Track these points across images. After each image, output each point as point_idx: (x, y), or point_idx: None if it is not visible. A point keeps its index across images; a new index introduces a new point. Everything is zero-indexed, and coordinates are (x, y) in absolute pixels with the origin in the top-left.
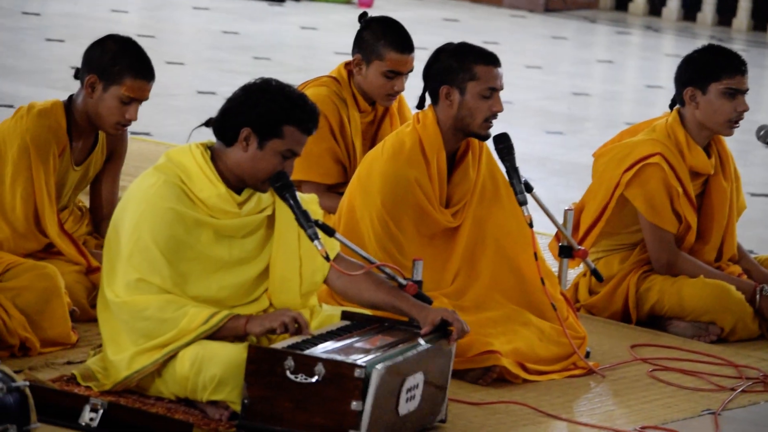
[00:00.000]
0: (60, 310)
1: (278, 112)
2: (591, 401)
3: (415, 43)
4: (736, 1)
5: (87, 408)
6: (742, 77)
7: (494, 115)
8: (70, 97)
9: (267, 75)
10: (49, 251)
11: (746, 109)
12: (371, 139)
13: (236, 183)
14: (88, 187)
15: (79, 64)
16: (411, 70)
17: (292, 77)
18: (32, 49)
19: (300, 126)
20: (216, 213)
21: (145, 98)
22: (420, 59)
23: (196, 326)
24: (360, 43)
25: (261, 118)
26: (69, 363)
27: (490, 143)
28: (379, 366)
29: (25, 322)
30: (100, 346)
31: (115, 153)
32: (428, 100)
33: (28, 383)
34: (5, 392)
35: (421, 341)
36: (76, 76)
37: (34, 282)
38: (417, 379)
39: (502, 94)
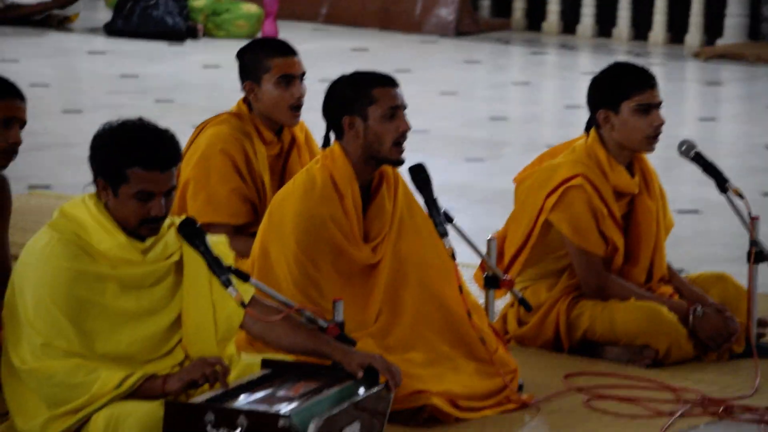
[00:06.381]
0: None
1: (116, 157)
2: None
3: (325, 75)
4: (651, 14)
5: None
6: (652, 91)
7: (402, 135)
8: None
9: (171, 117)
10: None
11: (662, 123)
12: (279, 173)
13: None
14: None
15: None
16: (304, 74)
17: (198, 118)
18: None
19: (142, 165)
20: (118, 264)
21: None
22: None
23: (109, 390)
24: (244, 70)
25: (104, 167)
26: None
27: (405, 174)
28: (315, 420)
29: None
30: (6, 414)
31: (1, 207)
32: (333, 137)
33: None
34: None
35: (361, 391)
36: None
37: None
38: (353, 428)
39: (419, 122)
